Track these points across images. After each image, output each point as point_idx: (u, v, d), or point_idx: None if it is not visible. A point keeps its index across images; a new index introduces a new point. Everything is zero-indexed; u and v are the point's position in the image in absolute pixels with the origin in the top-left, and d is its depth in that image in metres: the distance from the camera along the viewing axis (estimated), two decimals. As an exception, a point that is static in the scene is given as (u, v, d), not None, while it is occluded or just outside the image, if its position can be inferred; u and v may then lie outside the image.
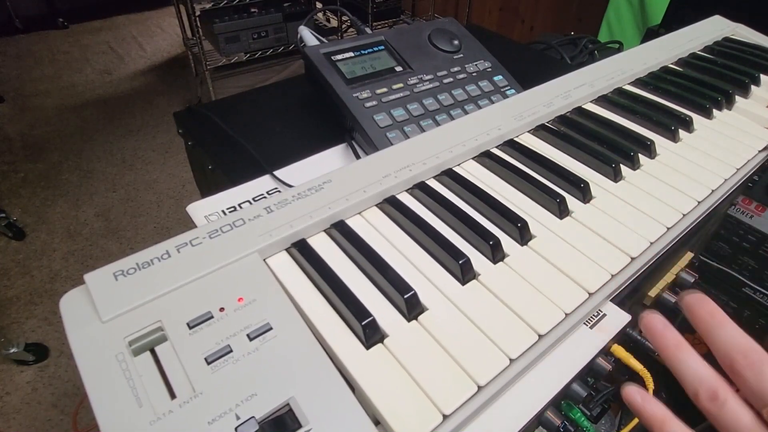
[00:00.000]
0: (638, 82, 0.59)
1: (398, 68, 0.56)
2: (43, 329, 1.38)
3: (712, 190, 0.43)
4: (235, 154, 0.54)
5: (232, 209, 0.42)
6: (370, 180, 0.39)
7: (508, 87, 0.59)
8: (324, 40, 0.62)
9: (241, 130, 0.56)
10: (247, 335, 0.28)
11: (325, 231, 0.36)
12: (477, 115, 0.48)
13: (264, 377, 0.26)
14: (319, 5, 2.54)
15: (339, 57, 0.55)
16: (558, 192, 0.40)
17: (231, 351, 0.27)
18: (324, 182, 0.38)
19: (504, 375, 0.28)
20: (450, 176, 0.42)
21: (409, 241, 0.36)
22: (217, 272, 0.31)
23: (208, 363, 0.26)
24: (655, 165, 0.46)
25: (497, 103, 0.52)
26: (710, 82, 0.58)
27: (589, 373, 0.32)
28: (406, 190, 0.41)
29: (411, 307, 0.30)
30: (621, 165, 0.44)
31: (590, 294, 0.32)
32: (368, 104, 0.51)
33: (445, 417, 0.26)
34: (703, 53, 0.67)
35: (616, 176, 0.43)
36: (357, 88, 0.52)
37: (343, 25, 2.46)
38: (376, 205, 0.39)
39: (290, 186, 0.47)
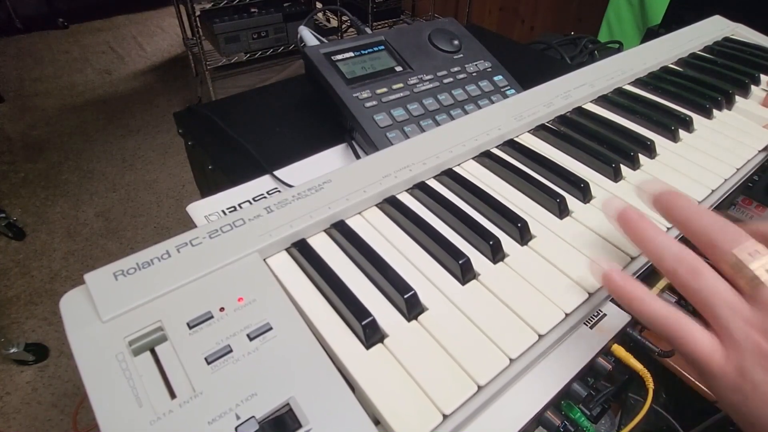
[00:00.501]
0: (638, 82, 0.59)
1: (398, 68, 0.56)
2: (43, 329, 1.38)
3: (712, 190, 0.43)
4: (235, 154, 0.54)
5: (232, 209, 0.42)
6: (370, 180, 0.39)
7: (508, 87, 0.59)
8: (324, 40, 0.62)
9: (241, 130, 0.56)
10: (247, 335, 0.28)
11: (325, 231, 0.36)
12: (477, 115, 0.48)
13: (264, 377, 0.26)
14: (319, 5, 2.54)
15: (339, 57, 0.55)
16: (558, 192, 0.40)
17: (231, 351, 0.27)
18: (324, 182, 0.38)
19: (504, 375, 0.28)
20: (450, 176, 0.42)
21: (409, 241, 0.36)
22: (217, 272, 0.31)
23: (208, 363, 0.26)
24: (655, 165, 0.46)
25: (497, 103, 0.52)
26: (710, 82, 0.58)
27: (589, 373, 0.32)
28: (406, 190, 0.41)
29: (411, 307, 0.30)
30: (621, 165, 0.44)
31: (590, 294, 0.32)
32: (368, 104, 0.51)
33: (445, 417, 0.26)
34: (703, 53, 0.67)
35: (616, 176, 0.43)
36: (357, 88, 0.52)
37: (343, 25, 2.46)
38: (376, 205, 0.39)
39: (290, 186, 0.47)
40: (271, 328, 0.28)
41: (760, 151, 0.48)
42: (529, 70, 0.74)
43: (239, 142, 0.54)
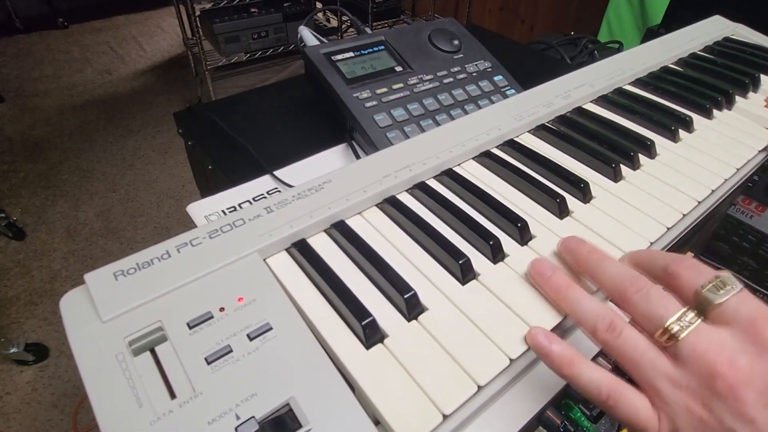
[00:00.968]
0: (638, 82, 0.59)
1: (398, 68, 0.56)
2: (43, 329, 1.38)
3: (712, 190, 0.43)
4: (235, 154, 0.54)
5: (232, 209, 0.42)
6: (370, 180, 0.39)
7: (508, 87, 0.59)
8: (324, 40, 0.62)
9: (241, 130, 0.56)
10: (247, 335, 0.28)
11: (325, 231, 0.36)
12: (477, 115, 0.48)
13: (264, 377, 0.26)
14: (319, 5, 2.54)
15: (339, 57, 0.55)
16: (558, 192, 0.40)
17: (231, 351, 0.27)
18: (324, 182, 0.38)
19: (504, 375, 0.28)
20: (450, 176, 0.42)
21: (409, 241, 0.36)
22: (217, 272, 0.31)
23: (208, 363, 0.26)
24: (655, 165, 0.46)
25: (497, 103, 0.52)
26: (710, 82, 0.58)
27: (589, 373, 0.32)
28: (406, 190, 0.41)
29: (411, 307, 0.30)
30: (621, 165, 0.44)
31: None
32: (368, 104, 0.51)
33: (445, 417, 0.26)
34: (703, 53, 0.67)
35: (616, 176, 0.43)
36: (357, 88, 0.52)
37: (343, 25, 2.46)
38: (376, 205, 0.39)
39: (290, 186, 0.47)
40: (271, 328, 0.28)
41: (760, 151, 0.48)
42: (529, 70, 0.74)
43: (239, 142, 0.54)
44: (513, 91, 0.58)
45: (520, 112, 0.49)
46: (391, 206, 0.38)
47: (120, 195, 1.86)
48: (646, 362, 0.25)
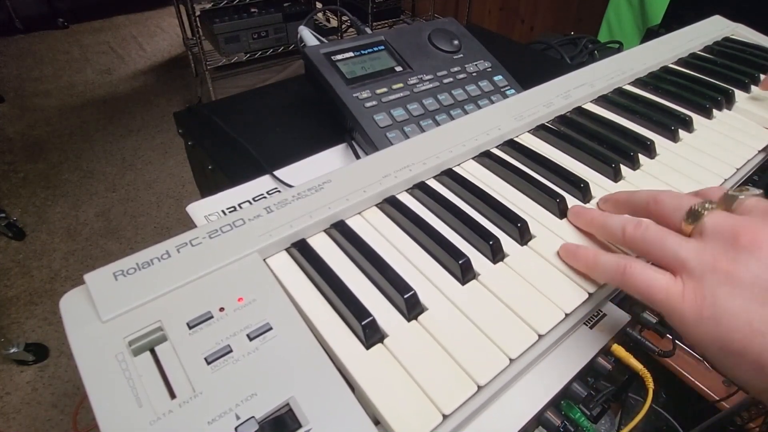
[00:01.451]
0: (638, 82, 0.59)
1: (398, 68, 0.56)
2: (43, 329, 1.38)
3: (712, 190, 0.43)
4: (235, 154, 0.54)
5: (232, 209, 0.42)
6: (370, 180, 0.39)
7: (508, 87, 0.59)
8: (324, 40, 0.62)
9: (241, 130, 0.56)
10: (247, 335, 0.28)
11: (325, 231, 0.36)
12: (477, 115, 0.48)
13: (264, 377, 0.26)
14: (319, 5, 2.54)
15: (339, 57, 0.55)
16: (558, 192, 0.40)
17: (231, 351, 0.27)
18: (324, 182, 0.38)
19: (504, 375, 0.28)
20: (450, 176, 0.42)
21: (409, 241, 0.36)
22: (217, 272, 0.31)
23: (208, 363, 0.26)
24: (655, 165, 0.46)
25: (497, 103, 0.52)
26: (710, 82, 0.58)
27: (589, 373, 0.32)
28: (406, 190, 0.41)
29: (411, 307, 0.30)
30: (621, 165, 0.44)
31: (590, 294, 0.32)
32: (368, 104, 0.51)
33: (445, 417, 0.26)
34: (703, 53, 0.67)
35: (616, 176, 0.43)
36: (357, 88, 0.52)
37: (343, 25, 2.46)
38: (376, 205, 0.39)
39: (290, 186, 0.46)
40: (271, 328, 0.28)
41: (760, 151, 0.48)
42: (529, 70, 0.74)
43: (239, 142, 0.54)
44: (513, 91, 0.58)
45: (520, 112, 0.49)
46: (391, 206, 0.38)
47: (120, 195, 1.86)
48: (671, 242, 0.28)
